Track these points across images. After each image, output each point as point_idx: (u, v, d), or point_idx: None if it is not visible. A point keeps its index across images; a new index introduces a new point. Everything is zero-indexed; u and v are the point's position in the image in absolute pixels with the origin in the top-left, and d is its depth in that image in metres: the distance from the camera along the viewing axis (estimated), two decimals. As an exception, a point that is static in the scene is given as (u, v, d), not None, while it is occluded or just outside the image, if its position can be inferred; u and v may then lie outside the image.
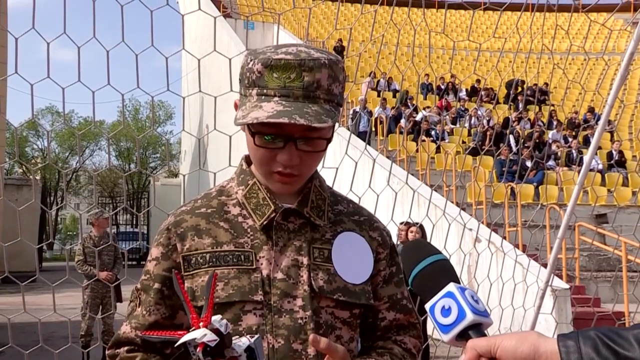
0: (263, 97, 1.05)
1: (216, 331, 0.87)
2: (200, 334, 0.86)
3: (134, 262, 24.15)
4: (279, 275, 1.10)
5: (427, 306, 0.84)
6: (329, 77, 1.06)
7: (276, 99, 1.04)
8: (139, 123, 43.62)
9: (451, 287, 0.83)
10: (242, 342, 0.90)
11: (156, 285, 1.13)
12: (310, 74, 1.05)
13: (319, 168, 1.26)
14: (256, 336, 0.92)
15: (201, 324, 0.87)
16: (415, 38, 16.20)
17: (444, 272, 0.86)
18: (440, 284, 0.84)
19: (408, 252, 0.92)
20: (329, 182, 1.33)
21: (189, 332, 0.87)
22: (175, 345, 0.87)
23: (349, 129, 11.30)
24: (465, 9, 23.31)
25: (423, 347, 1.27)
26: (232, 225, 1.15)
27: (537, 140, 12.73)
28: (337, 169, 2.63)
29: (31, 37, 2.20)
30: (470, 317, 0.80)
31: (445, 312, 0.82)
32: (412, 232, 6.14)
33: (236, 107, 1.17)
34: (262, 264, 1.11)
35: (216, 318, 0.89)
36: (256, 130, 1.07)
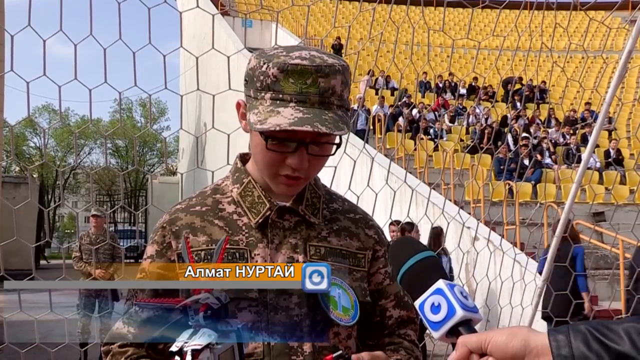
0: (278, 101, 1.04)
1: (217, 299, 0.87)
2: (203, 296, 0.86)
3: (131, 260, 24.15)
4: None
5: (417, 303, 0.84)
6: (342, 83, 1.07)
7: (292, 104, 1.03)
8: (132, 121, 43.55)
9: (440, 283, 0.83)
10: (237, 320, 0.91)
11: None
12: (326, 80, 1.04)
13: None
14: (243, 322, 0.92)
15: (203, 290, 0.87)
16: (413, 36, 16.19)
17: (432, 269, 0.86)
18: (429, 281, 0.84)
19: (396, 249, 0.91)
20: (327, 181, 1.33)
21: (186, 299, 0.88)
22: (178, 306, 0.87)
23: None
24: (464, 7, 23.31)
25: (420, 345, 1.28)
26: (227, 222, 1.15)
27: (535, 138, 12.75)
28: (335, 167, 2.62)
29: (29, 33, 2.19)
30: (460, 313, 0.80)
31: (435, 309, 0.82)
32: (392, 232, 6.21)
33: (238, 107, 1.17)
34: (257, 261, 1.11)
35: (217, 288, 0.89)
36: (269, 134, 1.06)
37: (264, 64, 1.06)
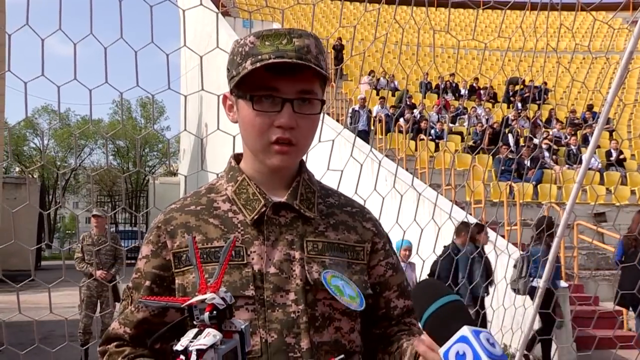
0: (258, 63, 1.08)
1: (222, 300, 0.87)
2: (209, 296, 0.85)
3: (133, 261, 24.16)
4: (272, 270, 1.10)
5: (441, 351, 0.82)
6: (316, 46, 1.11)
7: (271, 60, 1.07)
8: (133, 121, 43.52)
9: (465, 330, 0.80)
10: (240, 320, 0.90)
11: (146, 283, 1.14)
12: (300, 40, 1.10)
13: (323, 169, 1.26)
14: (246, 323, 0.92)
15: (209, 290, 0.87)
16: (419, 37, 16.21)
17: (457, 314, 0.84)
18: (454, 327, 0.82)
19: (419, 292, 0.90)
20: (334, 185, 1.32)
21: (191, 298, 0.87)
22: (184, 305, 0.87)
23: (348, 128, 11.28)
24: (466, 7, 23.32)
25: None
26: (222, 221, 1.15)
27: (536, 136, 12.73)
28: (342, 171, 2.60)
29: (32, 33, 2.18)
30: None
31: (460, 357, 0.79)
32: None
33: (225, 100, 1.20)
34: (253, 259, 1.10)
35: (222, 289, 0.88)
36: (253, 94, 1.10)
37: (241, 40, 1.13)
